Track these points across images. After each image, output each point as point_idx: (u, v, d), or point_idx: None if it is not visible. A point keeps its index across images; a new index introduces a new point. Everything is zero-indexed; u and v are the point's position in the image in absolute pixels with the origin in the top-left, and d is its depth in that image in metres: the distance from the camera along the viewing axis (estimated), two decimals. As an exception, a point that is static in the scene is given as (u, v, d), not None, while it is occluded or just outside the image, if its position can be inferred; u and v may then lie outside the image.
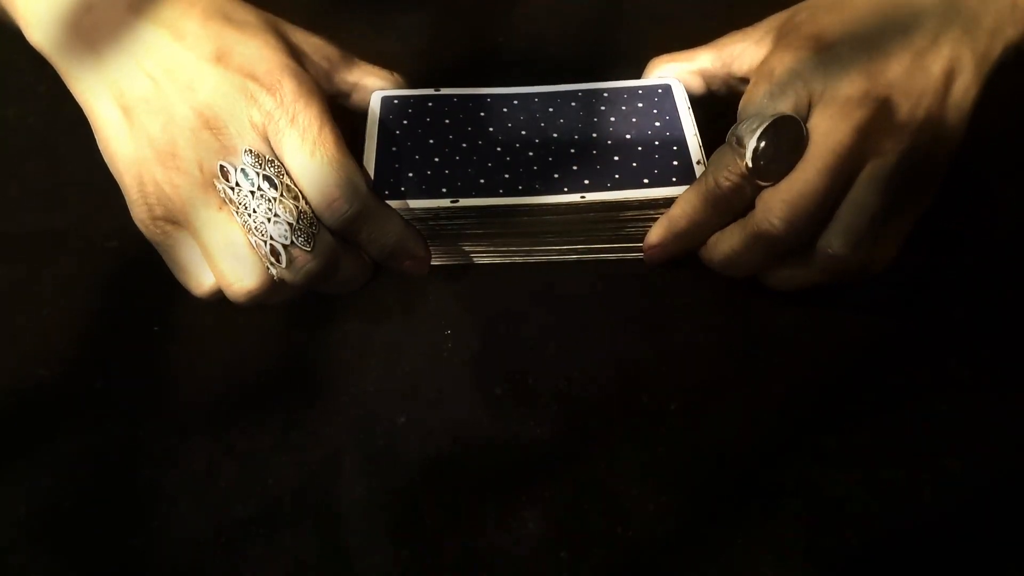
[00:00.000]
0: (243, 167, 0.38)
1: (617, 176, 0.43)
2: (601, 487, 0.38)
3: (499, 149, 0.44)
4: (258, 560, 0.36)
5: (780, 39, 0.42)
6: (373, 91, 0.45)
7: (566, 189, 0.43)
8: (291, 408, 0.41)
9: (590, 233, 0.44)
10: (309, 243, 0.39)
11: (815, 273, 0.40)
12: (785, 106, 0.39)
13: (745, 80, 0.44)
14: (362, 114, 0.45)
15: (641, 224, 0.44)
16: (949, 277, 0.45)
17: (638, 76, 0.48)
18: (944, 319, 0.43)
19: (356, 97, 0.45)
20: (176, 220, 0.39)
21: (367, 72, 0.45)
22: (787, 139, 0.38)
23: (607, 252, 0.45)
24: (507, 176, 0.43)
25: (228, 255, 0.39)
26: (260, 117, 0.39)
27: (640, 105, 0.46)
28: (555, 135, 0.45)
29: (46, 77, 0.55)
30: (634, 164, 0.43)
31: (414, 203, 0.42)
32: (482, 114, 0.46)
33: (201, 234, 0.39)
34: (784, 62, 0.40)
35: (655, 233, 0.43)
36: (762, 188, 0.39)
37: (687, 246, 0.43)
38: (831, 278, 0.40)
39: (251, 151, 0.39)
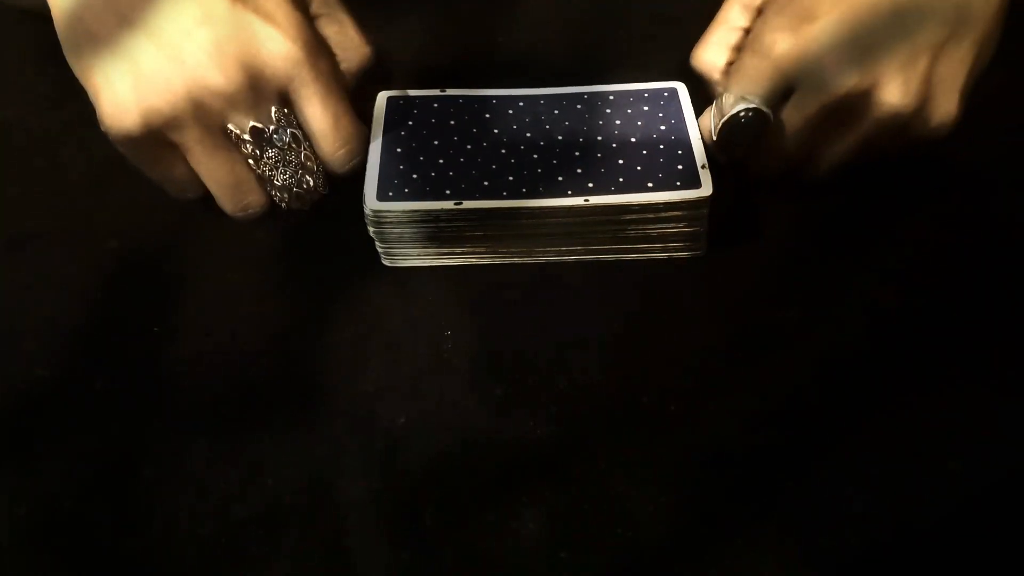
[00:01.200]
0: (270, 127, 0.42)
1: (621, 180, 0.43)
2: (601, 487, 0.38)
3: (503, 151, 0.44)
4: (258, 560, 0.36)
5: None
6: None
7: (570, 192, 0.43)
8: (291, 408, 0.41)
9: (592, 235, 0.44)
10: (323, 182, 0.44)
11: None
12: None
13: None
14: (367, 114, 0.45)
15: (643, 227, 0.44)
16: (950, 276, 0.45)
17: (640, 75, 0.48)
18: (944, 319, 0.43)
19: None
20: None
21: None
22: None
23: (608, 253, 0.45)
24: (511, 178, 0.43)
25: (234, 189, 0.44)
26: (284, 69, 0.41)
27: (645, 108, 0.46)
28: (559, 137, 0.45)
29: (46, 77, 0.55)
30: (638, 168, 0.43)
31: (417, 204, 0.42)
32: (487, 116, 0.46)
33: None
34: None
35: None
36: None
37: None
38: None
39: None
